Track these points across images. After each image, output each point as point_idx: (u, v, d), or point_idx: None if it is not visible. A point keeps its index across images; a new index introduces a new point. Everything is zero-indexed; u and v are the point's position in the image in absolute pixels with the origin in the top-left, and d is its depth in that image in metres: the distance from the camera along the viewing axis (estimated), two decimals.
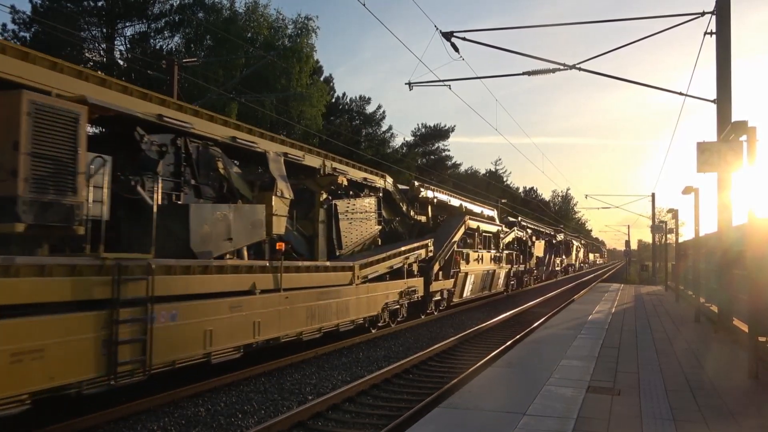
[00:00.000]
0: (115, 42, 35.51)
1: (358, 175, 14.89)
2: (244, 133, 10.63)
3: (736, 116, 12.01)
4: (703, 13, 12.52)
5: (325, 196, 13.23)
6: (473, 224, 22.91)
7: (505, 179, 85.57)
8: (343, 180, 13.32)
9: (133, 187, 8.27)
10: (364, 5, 12.51)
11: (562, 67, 14.28)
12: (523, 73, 16.04)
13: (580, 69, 14.11)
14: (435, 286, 18.62)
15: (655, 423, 5.62)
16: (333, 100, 49.09)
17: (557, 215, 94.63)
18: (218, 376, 9.39)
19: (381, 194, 16.18)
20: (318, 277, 11.91)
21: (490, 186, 65.84)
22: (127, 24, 35.90)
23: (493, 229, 26.37)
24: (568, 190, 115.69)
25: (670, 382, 7.46)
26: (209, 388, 9.07)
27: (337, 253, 13.61)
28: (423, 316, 18.22)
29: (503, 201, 50.46)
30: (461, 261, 21.02)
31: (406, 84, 16.16)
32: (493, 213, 28.48)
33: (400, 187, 18.39)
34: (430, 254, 18.20)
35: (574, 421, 5.63)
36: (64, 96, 7.03)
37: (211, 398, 8.69)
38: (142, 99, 8.36)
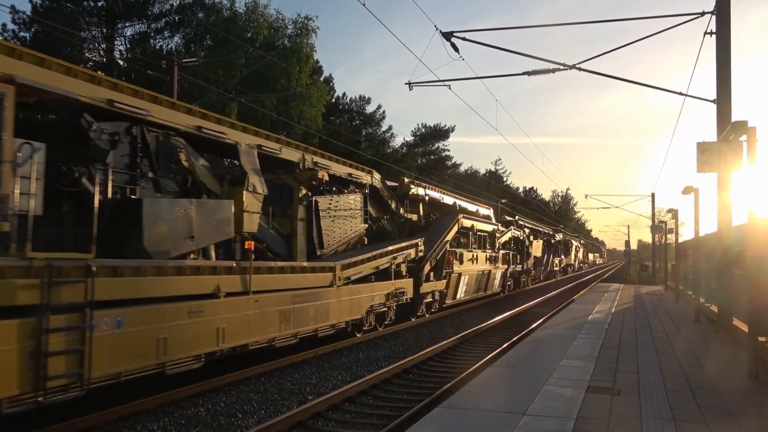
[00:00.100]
0: (115, 42, 35.55)
1: (342, 170, 14.12)
2: (211, 122, 9.80)
3: (736, 116, 12.05)
4: (703, 13, 12.52)
5: (304, 191, 12.37)
6: (467, 223, 22.31)
7: (505, 179, 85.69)
8: (323, 175, 12.51)
9: (77, 180, 7.44)
10: (364, 5, 12.52)
11: (562, 67, 14.28)
12: (523, 73, 16.06)
13: (580, 69, 14.12)
14: (426, 287, 18.06)
15: (655, 423, 5.62)
16: (333, 100, 49.12)
17: (557, 215, 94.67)
18: (218, 376, 9.39)
19: (367, 191, 15.48)
20: (294, 279, 11.05)
21: (490, 186, 65.88)
22: (127, 24, 35.94)
23: (489, 228, 25.73)
24: (568, 190, 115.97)
25: (670, 382, 7.46)
26: (209, 388, 9.07)
27: (319, 253, 12.88)
28: (413, 319, 17.65)
29: (503, 201, 50.45)
30: (454, 261, 20.38)
31: (406, 84, 16.16)
32: (489, 212, 27.84)
33: (389, 183, 17.77)
34: (421, 254, 17.57)
35: (574, 421, 5.63)
36: None
37: (211, 398, 8.69)
38: (90, 82, 7.55)
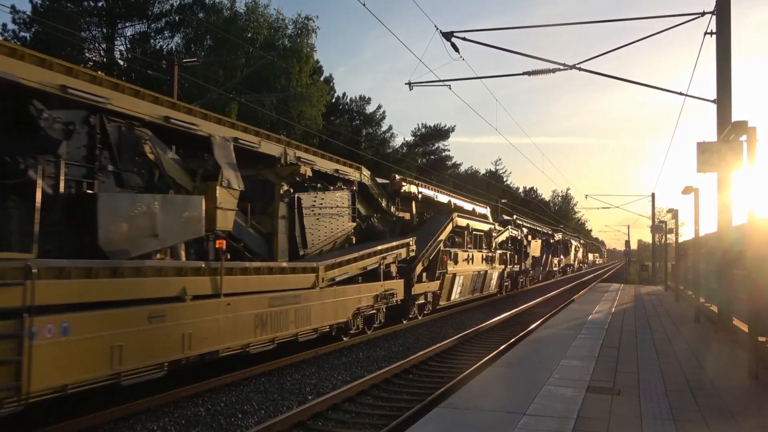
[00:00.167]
0: (115, 42, 35.60)
1: (327, 165, 13.50)
2: (181, 113, 9.14)
3: (736, 116, 12.04)
4: (703, 13, 12.53)
5: (286, 188, 11.76)
6: (462, 222, 21.66)
7: (505, 179, 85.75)
8: (306, 170, 11.88)
9: (22, 172, 6.77)
10: (364, 5, 12.53)
11: (562, 67, 14.29)
12: (523, 73, 16.07)
13: (580, 69, 14.13)
14: (418, 288, 17.40)
15: (655, 423, 5.62)
16: (333, 100, 49.18)
17: (557, 215, 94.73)
18: (218, 376, 9.39)
19: (356, 188, 14.84)
20: (272, 280, 10.30)
21: (490, 186, 65.95)
22: (127, 24, 36.01)
23: (485, 227, 25.07)
24: (568, 190, 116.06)
25: (670, 382, 7.47)
26: (209, 388, 9.07)
27: (302, 253, 12.25)
28: (405, 321, 16.98)
29: (503, 201, 50.46)
30: (449, 261, 19.74)
31: (406, 84, 16.16)
32: (486, 210, 27.30)
33: (380, 181, 17.20)
34: (412, 254, 16.88)
35: (574, 421, 5.63)
36: None
37: (211, 398, 8.69)
38: (40, 66, 6.97)
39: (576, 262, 67.51)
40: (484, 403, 6.23)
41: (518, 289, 33.05)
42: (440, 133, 64.67)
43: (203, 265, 8.76)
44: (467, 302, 23.40)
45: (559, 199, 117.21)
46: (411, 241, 16.90)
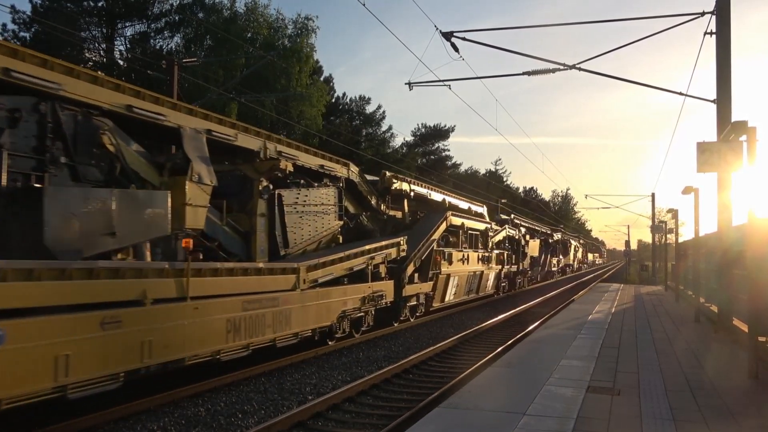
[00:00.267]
0: (115, 42, 35.60)
1: (312, 161, 12.79)
2: (146, 102, 8.47)
3: (736, 116, 12.05)
4: (703, 13, 12.54)
5: (265, 184, 11.10)
6: (457, 221, 20.89)
7: (505, 179, 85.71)
8: (287, 165, 11.28)
9: None
10: (364, 5, 12.53)
11: (562, 67, 14.30)
12: (523, 73, 16.07)
13: (580, 69, 14.13)
14: (409, 289, 16.76)
15: (655, 423, 5.63)
16: (333, 100, 49.17)
17: (557, 215, 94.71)
18: (218, 376, 9.39)
19: (343, 185, 14.19)
20: (246, 282, 9.57)
21: (490, 186, 65.89)
22: (127, 24, 36.03)
23: (481, 226, 24.35)
24: (568, 190, 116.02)
25: (670, 382, 7.47)
26: (209, 388, 9.07)
27: (283, 253, 11.63)
28: (396, 324, 16.44)
29: (503, 201, 50.42)
30: (442, 261, 19.03)
31: (406, 84, 16.14)
32: (482, 209, 26.47)
33: (370, 178, 16.43)
34: (403, 254, 16.16)
35: (574, 421, 5.63)
36: None
37: (211, 398, 8.69)
38: None
39: (575, 262, 67.38)
40: (484, 403, 6.23)
41: (516, 290, 32.63)
42: (440, 133, 64.67)
43: (167, 266, 8.04)
44: (462, 303, 22.97)
45: (559, 199, 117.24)
46: (402, 240, 16.19)
